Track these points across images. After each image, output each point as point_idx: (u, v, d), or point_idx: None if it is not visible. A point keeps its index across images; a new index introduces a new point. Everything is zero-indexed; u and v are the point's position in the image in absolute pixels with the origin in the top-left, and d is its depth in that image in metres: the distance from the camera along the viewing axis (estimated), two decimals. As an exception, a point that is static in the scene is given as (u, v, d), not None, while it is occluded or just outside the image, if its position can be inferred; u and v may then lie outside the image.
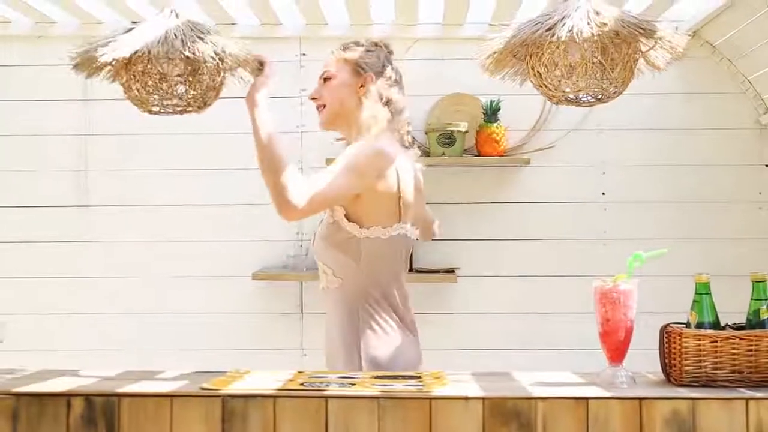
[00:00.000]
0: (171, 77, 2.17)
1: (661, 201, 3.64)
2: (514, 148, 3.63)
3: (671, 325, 1.90)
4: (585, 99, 2.07)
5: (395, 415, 1.70)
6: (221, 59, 2.16)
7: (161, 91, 2.18)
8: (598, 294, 1.87)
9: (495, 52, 2.15)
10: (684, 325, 1.87)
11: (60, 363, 2.37)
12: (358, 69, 2.24)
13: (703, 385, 1.79)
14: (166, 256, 3.69)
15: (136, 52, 2.08)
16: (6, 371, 2.01)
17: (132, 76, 2.18)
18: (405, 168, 2.19)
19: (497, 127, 3.51)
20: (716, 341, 1.80)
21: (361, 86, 2.23)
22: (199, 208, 3.69)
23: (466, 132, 3.56)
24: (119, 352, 3.60)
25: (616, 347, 1.85)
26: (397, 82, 2.27)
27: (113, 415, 1.73)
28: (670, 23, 3.31)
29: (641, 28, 1.98)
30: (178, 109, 2.22)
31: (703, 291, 1.87)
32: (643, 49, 2.06)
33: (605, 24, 1.95)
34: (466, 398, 1.71)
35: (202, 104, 2.23)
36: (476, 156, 3.57)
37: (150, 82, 2.17)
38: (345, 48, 2.28)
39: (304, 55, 3.67)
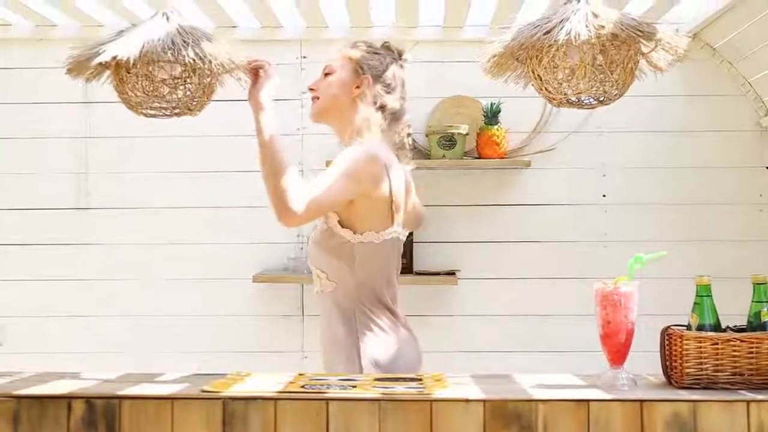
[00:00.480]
0: (162, 80, 2.18)
1: (662, 203, 3.64)
2: (515, 150, 3.63)
3: (672, 327, 1.90)
4: (586, 101, 2.07)
5: (396, 418, 1.70)
6: (212, 63, 2.16)
7: (152, 93, 2.18)
8: (599, 296, 1.87)
9: (494, 56, 2.15)
10: (685, 328, 1.87)
11: (60, 365, 2.37)
12: (357, 69, 2.23)
13: (704, 388, 1.79)
14: (166, 258, 3.69)
15: (126, 55, 2.08)
16: (6, 374, 2.00)
17: (122, 79, 2.19)
18: (396, 172, 2.19)
19: (498, 130, 3.51)
20: (717, 343, 1.80)
21: (357, 87, 2.23)
22: (200, 210, 3.69)
23: (467, 134, 3.56)
24: (119, 354, 3.60)
25: (617, 349, 1.85)
26: (396, 89, 2.26)
27: (114, 418, 1.73)
28: (670, 25, 3.32)
29: (640, 31, 1.98)
30: (170, 112, 2.23)
31: (703, 293, 1.87)
32: (645, 50, 2.07)
33: (603, 27, 1.96)
34: (467, 401, 1.71)
35: (195, 107, 2.23)
36: (477, 158, 3.57)
37: (141, 85, 2.17)
38: (352, 46, 2.27)
39: (304, 57, 3.67)
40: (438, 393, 1.74)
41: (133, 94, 2.19)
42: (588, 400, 1.71)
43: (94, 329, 3.66)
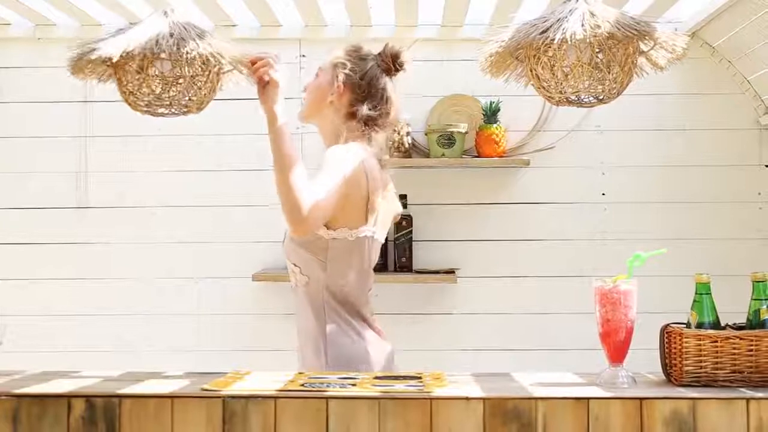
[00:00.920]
0: (164, 78, 2.18)
1: (661, 201, 3.64)
2: (514, 148, 3.63)
3: (671, 325, 1.90)
4: (586, 100, 2.07)
5: (396, 416, 1.70)
6: (214, 60, 2.16)
7: (154, 92, 2.18)
8: (599, 294, 1.87)
9: (491, 55, 2.16)
10: (684, 325, 1.88)
11: (60, 364, 2.38)
12: (336, 77, 2.23)
13: (704, 385, 1.80)
14: (165, 257, 3.69)
15: (123, 52, 2.08)
16: (6, 372, 2.01)
17: (124, 78, 2.19)
18: (375, 173, 2.20)
19: (497, 128, 3.51)
20: (716, 341, 1.80)
21: (332, 93, 2.24)
22: (199, 209, 3.69)
23: (466, 133, 3.56)
24: (119, 353, 3.61)
25: (617, 347, 1.85)
26: (373, 97, 2.23)
27: (114, 416, 1.73)
28: (669, 24, 3.32)
29: (637, 30, 1.99)
30: (173, 110, 2.23)
31: (703, 291, 1.87)
32: (645, 49, 2.07)
33: (599, 26, 1.96)
34: (467, 399, 1.71)
35: (197, 105, 2.24)
36: (476, 157, 3.57)
37: (143, 84, 2.17)
38: (341, 51, 2.27)
39: (303, 56, 3.67)
40: (438, 391, 1.75)
41: (135, 93, 2.19)
42: (588, 398, 1.71)
43: (94, 328, 3.66)
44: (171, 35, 2.13)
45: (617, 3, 2.76)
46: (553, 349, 3.57)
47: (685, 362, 1.81)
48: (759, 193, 3.63)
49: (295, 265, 2.22)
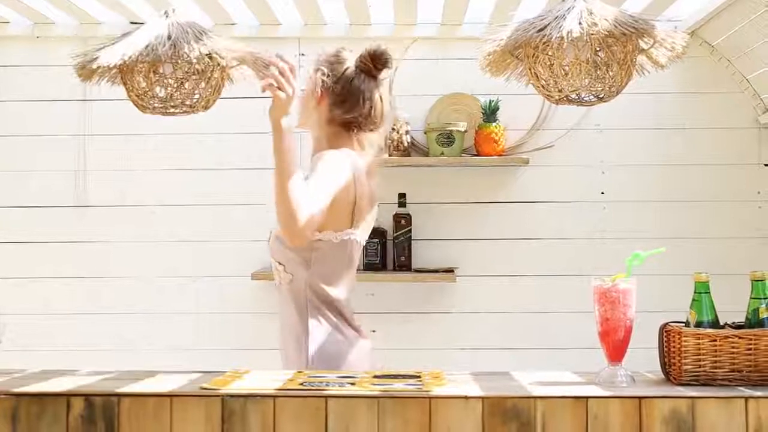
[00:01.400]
0: (168, 79, 2.18)
1: (661, 200, 3.64)
2: (513, 147, 3.63)
3: (670, 324, 1.90)
4: (586, 99, 2.08)
5: (395, 415, 1.70)
6: (218, 60, 2.17)
7: (159, 92, 2.19)
8: (598, 293, 1.87)
9: (490, 54, 2.16)
10: (683, 324, 1.88)
11: (59, 363, 2.38)
12: (315, 83, 2.24)
13: (703, 384, 1.80)
14: (164, 256, 3.69)
15: (127, 58, 2.09)
16: (5, 371, 2.01)
17: (130, 80, 2.20)
18: (362, 178, 2.22)
19: (496, 127, 3.51)
20: (715, 340, 1.80)
21: (313, 99, 2.26)
22: (198, 208, 3.69)
23: (465, 132, 3.56)
24: (118, 352, 3.60)
25: (616, 346, 1.85)
26: (348, 100, 2.22)
27: (113, 415, 1.73)
28: (668, 23, 3.32)
29: (635, 28, 1.99)
30: (179, 110, 2.23)
31: (702, 290, 1.87)
32: (644, 47, 2.07)
33: (596, 24, 1.96)
34: (466, 398, 1.71)
35: (201, 104, 2.24)
36: (475, 156, 3.57)
37: (147, 85, 2.18)
38: (322, 56, 2.28)
39: (302, 55, 3.66)
40: (437, 390, 1.75)
41: (142, 95, 2.20)
42: (587, 397, 1.71)
43: (93, 326, 3.66)
44: (171, 37, 2.14)
45: (616, 1, 2.76)
46: (552, 348, 3.57)
47: (684, 361, 1.81)
48: (758, 192, 3.63)
49: (279, 263, 2.25)
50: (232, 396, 1.73)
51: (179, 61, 2.14)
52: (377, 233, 3.53)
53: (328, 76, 2.23)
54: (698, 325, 1.85)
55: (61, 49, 2.29)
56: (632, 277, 1.87)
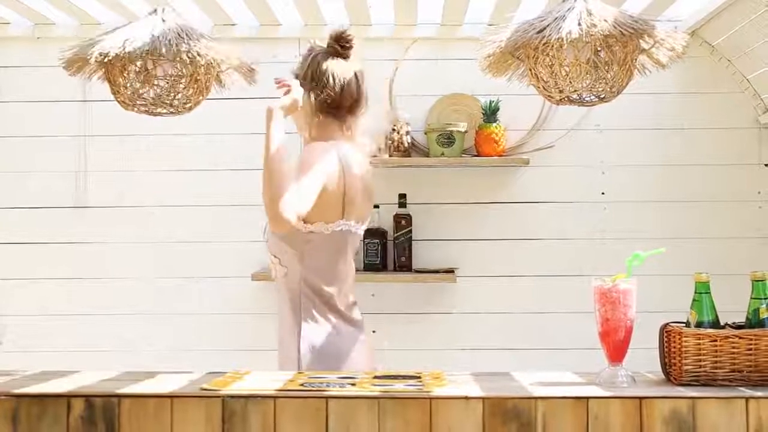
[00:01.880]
0: (156, 77, 2.19)
1: (661, 200, 3.64)
2: (514, 148, 3.62)
3: (671, 324, 1.90)
4: (587, 99, 2.08)
5: (395, 416, 1.70)
6: (206, 61, 2.17)
7: (145, 90, 2.19)
8: (598, 293, 1.87)
9: (490, 55, 2.16)
10: (684, 325, 1.88)
11: (59, 364, 2.38)
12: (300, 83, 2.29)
13: (703, 384, 1.80)
14: (165, 256, 3.68)
15: (117, 51, 2.10)
16: (6, 372, 2.01)
17: (116, 76, 2.20)
18: (353, 168, 2.24)
19: (496, 127, 3.51)
20: (716, 340, 1.80)
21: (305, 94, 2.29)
22: (199, 209, 3.69)
23: (466, 132, 3.56)
24: (119, 352, 3.60)
25: (616, 347, 1.85)
26: (324, 80, 2.26)
27: (113, 416, 1.73)
28: (669, 23, 3.32)
29: (634, 28, 1.99)
30: (164, 109, 2.24)
31: (702, 290, 1.87)
32: (645, 47, 2.07)
33: (595, 25, 1.96)
34: (467, 398, 1.71)
35: (184, 104, 2.25)
36: (475, 156, 3.57)
37: (133, 82, 2.18)
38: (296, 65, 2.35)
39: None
40: (437, 391, 1.75)
41: (125, 91, 2.20)
42: (587, 398, 1.71)
43: (93, 327, 3.66)
44: (166, 35, 2.14)
45: (616, 1, 2.76)
46: (552, 348, 3.57)
47: (684, 361, 1.81)
48: (759, 192, 3.63)
49: (275, 257, 2.28)
50: (232, 397, 1.73)
51: (163, 60, 2.15)
52: (378, 234, 3.54)
53: (302, 69, 2.29)
54: (699, 325, 1.85)
55: (62, 50, 2.29)
56: (632, 278, 1.87)
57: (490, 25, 3.45)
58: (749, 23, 3.16)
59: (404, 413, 1.70)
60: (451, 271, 3.57)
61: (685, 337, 1.82)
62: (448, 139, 3.52)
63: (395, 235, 3.57)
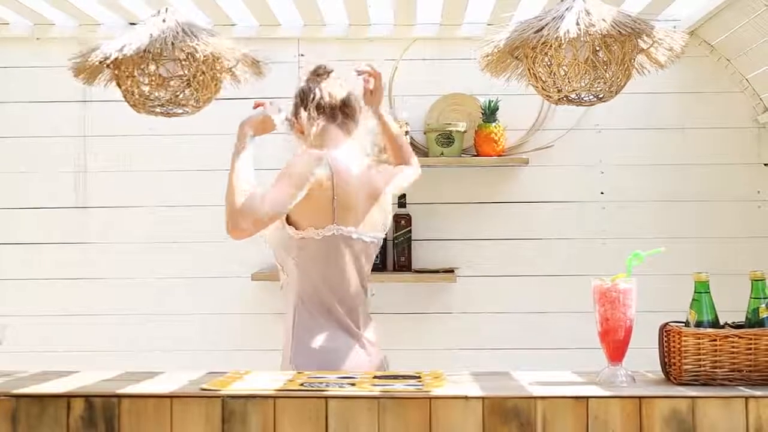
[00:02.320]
0: (164, 78, 2.19)
1: (660, 200, 3.64)
2: (513, 147, 3.62)
3: (670, 324, 1.90)
4: (586, 98, 2.08)
5: (395, 415, 1.70)
6: (213, 59, 2.17)
7: (154, 91, 2.19)
8: (598, 293, 1.87)
9: (488, 55, 2.16)
10: (683, 324, 1.88)
11: (59, 364, 2.38)
12: (286, 122, 2.36)
13: (703, 384, 1.80)
14: (165, 256, 3.68)
15: (120, 54, 2.10)
16: (6, 373, 2.01)
17: (124, 79, 2.20)
18: (345, 172, 2.23)
19: (496, 127, 3.51)
20: (715, 340, 1.81)
21: (296, 127, 2.36)
22: (198, 208, 3.69)
23: (465, 132, 3.56)
24: (119, 353, 3.60)
25: (616, 346, 1.85)
26: (305, 100, 2.34)
27: (113, 416, 1.73)
28: (668, 22, 3.32)
29: (633, 28, 1.99)
30: (173, 109, 2.24)
31: (702, 290, 1.88)
32: (644, 46, 2.07)
33: (594, 25, 1.96)
34: (466, 398, 1.71)
35: (193, 103, 2.25)
36: (475, 156, 3.57)
37: (139, 84, 2.19)
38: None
39: (302, 55, 3.67)
40: (437, 390, 1.75)
41: (135, 93, 2.20)
42: (587, 397, 1.71)
43: (93, 328, 3.66)
44: (171, 36, 2.14)
45: (615, 1, 2.76)
46: (552, 348, 3.57)
47: (684, 361, 1.81)
48: (758, 192, 3.63)
49: (279, 265, 2.32)
50: (232, 397, 1.73)
51: (177, 60, 2.15)
52: (377, 234, 3.54)
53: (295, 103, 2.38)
54: (698, 324, 1.85)
55: (61, 51, 2.29)
56: (632, 277, 1.87)
57: (489, 25, 3.45)
58: (748, 23, 3.16)
59: (404, 413, 1.70)
60: (450, 271, 3.57)
61: (684, 336, 1.82)
62: (447, 139, 3.52)
63: (395, 235, 3.57)
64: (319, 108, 2.31)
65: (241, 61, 2.34)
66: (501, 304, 3.65)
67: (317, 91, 2.32)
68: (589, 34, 1.96)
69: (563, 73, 2.04)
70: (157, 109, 2.25)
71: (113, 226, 3.70)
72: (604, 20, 1.98)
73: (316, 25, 3.64)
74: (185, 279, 3.68)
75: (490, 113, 3.51)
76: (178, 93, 2.22)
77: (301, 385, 1.81)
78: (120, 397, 1.75)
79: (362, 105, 2.39)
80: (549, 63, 2.03)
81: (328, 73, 2.36)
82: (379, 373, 2.00)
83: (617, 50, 2.01)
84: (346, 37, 3.65)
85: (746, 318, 1.87)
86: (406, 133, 3.56)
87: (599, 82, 2.04)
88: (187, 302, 3.67)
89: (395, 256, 3.58)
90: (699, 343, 1.81)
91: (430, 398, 1.71)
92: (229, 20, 3.57)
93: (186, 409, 1.73)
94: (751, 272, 1.87)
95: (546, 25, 1.99)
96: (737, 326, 1.88)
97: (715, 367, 1.80)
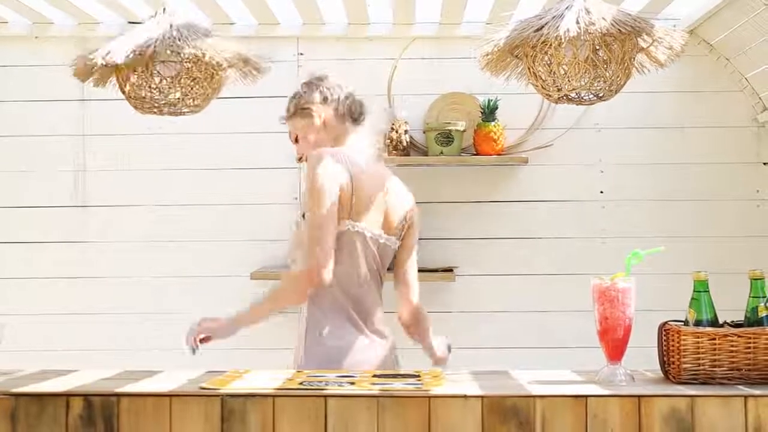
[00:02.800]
0: (165, 79, 2.19)
1: (659, 199, 3.64)
2: (512, 146, 3.62)
3: (670, 322, 1.90)
4: (586, 97, 2.08)
5: (394, 414, 1.70)
6: (214, 59, 2.17)
7: (156, 92, 2.19)
8: (597, 292, 1.87)
9: (488, 54, 2.16)
10: (682, 323, 1.88)
11: (58, 363, 2.37)
12: (304, 112, 2.33)
13: (702, 383, 1.80)
14: (164, 256, 3.68)
15: (124, 57, 2.10)
16: (5, 372, 2.01)
17: (126, 80, 2.20)
18: (364, 172, 2.25)
19: (495, 126, 3.51)
20: (714, 339, 1.81)
21: (320, 118, 2.33)
22: (197, 208, 3.68)
23: (464, 131, 3.55)
24: (118, 352, 3.60)
25: (615, 345, 1.85)
26: (334, 97, 2.35)
27: (112, 415, 1.73)
28: (667, 21, 3.32)
29: (633, 27, 1.99)
30: (176, 109, 2.24)
31: (701, 289, 1.88)
32: (644, 45, 2.07)
33: (594, 23, 1.96)
34: (465, 397, 1.71)
35: (195, 104, 2.25)
36: (474, 155, 3.57)
37: (141, 85, 2.19)
38: (288, 110, 2.38)
39: (301, 54, 3.66)
40: (436, 389, 1.75)
41: (137, 94, 2.20)
42: (586, 396, 1.71)
43: (92, 327, 3.65)
44: (172, 37, 2.14)
45: (615, 0, 2.76)
46: (551, 347, 3.57)
47: (683, 360, 1.81)
48: (757, 191, 3.63)
49: (291, 260, 2.33)
50: (231, 396, 1.73)
51: (178, 61, 2.15)
52: (376, 233, 3.53)
53: (312, 90, 2.35)
54: (697, 323, 1.85)
55: (60, 49, 2.29)
56: (631, 276, 1.87)
57: (489, 23, 3.45)
58: (748, 22, 3.16)
59: (403, 412, 1.70)
60: (449, 270, 3.57)
61: (683, 335, 1.82)
62: (446, 138, 3.52)
63: (394, 234, 3.56)
64: (344, 105, 2.33)
65: (239, 62, 2.34)
66: (500, 303, 3.65)
67: (338, 88, 2.34)
68: (589, 33, 1.96)
69: (563, 72, 2.04)
70: (156, 110, 2.25)
71: (112, 225, 3.70)
72: (604, 19, 1.98)
73: (316, 24, 3.64)
74: (184, 278, 3.68)
75: (489, 112, 3.51)
76: (178, 94, 2.22)
77: (301, 384, 1.81)
78: (119, 396, 1.75)
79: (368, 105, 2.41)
80: (549, 62, 2.03)
81: (324, 79, 2.38)
82: (378, 372, 2.00)
83: (617, 49, 2.01)
84: (345, 36, 3.65)
85: (745, 317, 1.87)
86: (406, 132, 3.56)
87: (599, 81, 2.04)
88: (186, 301, 3.67)
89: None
90: (698, 342, 1.81)
91: (430, 397, 1.71)
92: (229, 19, 3.57)
93: (185, 408, 1.73)
94: (750, 271, 1.87)
95: (546, 23, 1.99)
96: (736, 325, 1.88)
97: (714, 366, 1.80)
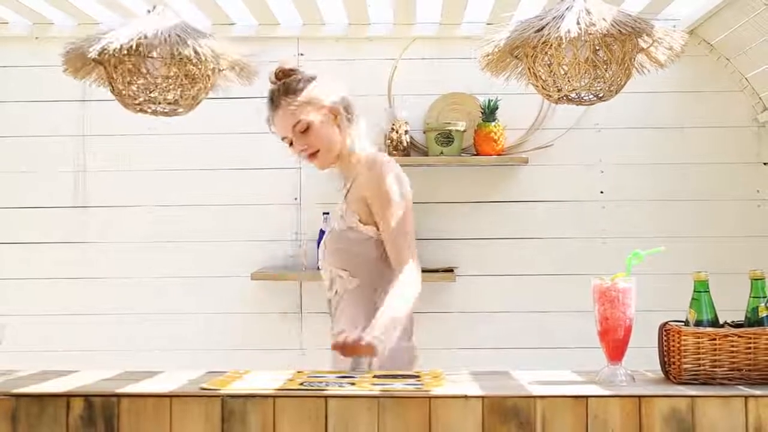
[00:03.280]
0: (155, 77, 2.19)
1: (660, 199, 3.64)
2: (513, 147, 3.62)
3: (670, 323, 1.90)
4: (586, 98, 2.08)
5: (395, 415, 1.70)
6: (206, 60, 2.17)
7: (147, 90, 2.19)
8: (597, 292, 1.87)
9: (488, 54, 2.16)
10: (683, 323, 1.88)
11: (59, 364, 2.38)
12: (318, 103, 2.23)
13: (702, 383, 1.80)
14: (164, 256, 3.68)
15: (113, 50, 2.09)
16: (5, 372, 2.01)
17: (113, 77, 2.20)
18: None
19: (495, 126, 3.51)
20: (715, 339, 1.81)
21: (335, 116, 2.25)
22: (198, 208, 3.69)
23: (465, 131, 3.56)
24: (118, 352, 3.60)
25: (615, 345, 1.85)
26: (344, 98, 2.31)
27: (112, 416, 1.73)
28: (667, 22, 3.32)
29: (633, 27, 1.99)
30: (164, 108, 2.24)
31: (701, 289, 1.88)
32: (644, 46, 2.07)
33: (594, 24, 1.96)
34: (466, 397, 1.71)
35: (188, 105, 2.25)
36: (474, 155, 3.57)
37: (131, 82, 2.18)
38: (290, 90, 2.23)
39: (301, 55, 3.66)
40: (436, 390, 1.75)
41: (124, 92, 2.20)
42: (586, 396, 1.71)
43: (93, 327, 3.66)
44: (164, 34, 2.14)
45: (615, 0, 2.76)
46: (551, 347, 3.57)
47: (683, 360, 1.81)
48: (757, 191, 3.63)
49: (343, 270, 2.21)
50: (231, 396, 1.73)
51: (161, 60, 2.15)
52: (376, 233, 3.53)
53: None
54: (698, 324, 1.85)
55: (60, 50, 2.28)
56: (631, 276, 1.87)
57: (489, 24, 3.45)
58: (748, 22, 3.16)
59: (404, 412, 1.70)
60: (450, 270, 3.57)
61: (684, 335, 1.82)
62: (447, 138, 3.52)
63: (394, 234, 3.56)
64: (345, 103, 2.30)
65: (232, 63, 2.34)
66: (500, 303, 3.65)
67: (342, 91, 2.30)
68: (590, 34, 1.96)
69: (563, 73, 2.04)
70: (147, 108, 2.24)
71: (112, 225, 3.70)
72: (604, 20, 1.98)
73: (316, 25, 3.64)
74: (184, 278, 3.68)
75: (489, 112, 3.51)
76: (167, 92, 2.21)
77: (301, 384, 1.81)
78: (119, 396, 1.75)
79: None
80: (549, 62, 2.03)
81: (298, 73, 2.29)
82: (378, 373, 2.00)
83: (617, 49, 2.01)
84: (345, 36, 3.65)
85: (745, 317, 1.87)
86: (406, 132, 3.56)
87: (599, 82, 2.04)
88: (187, 301, 3.67)
89: (395, 255, 3.57)
90: (698, 343, 1.81)
91: (430, 398, 1.71)
92: (229, 19, 3.57)
93: (185, 408, 1.73)
94: (751, 271, 1.87)
95: (546, 24, 1.99)
96: (737, 325, 1.88)
97: (715, 367, 1.80)
